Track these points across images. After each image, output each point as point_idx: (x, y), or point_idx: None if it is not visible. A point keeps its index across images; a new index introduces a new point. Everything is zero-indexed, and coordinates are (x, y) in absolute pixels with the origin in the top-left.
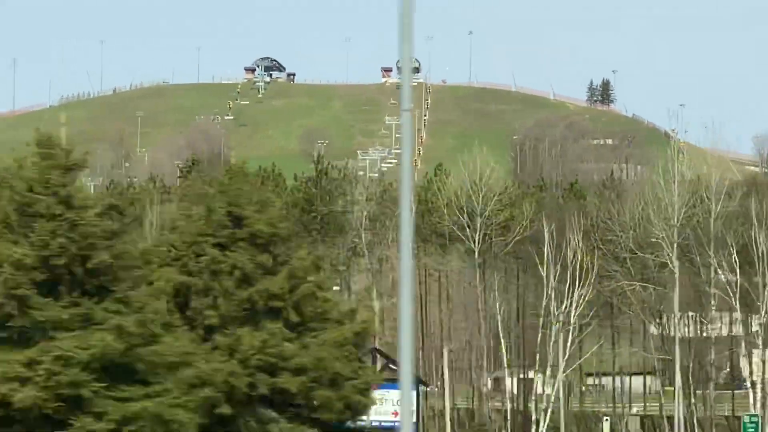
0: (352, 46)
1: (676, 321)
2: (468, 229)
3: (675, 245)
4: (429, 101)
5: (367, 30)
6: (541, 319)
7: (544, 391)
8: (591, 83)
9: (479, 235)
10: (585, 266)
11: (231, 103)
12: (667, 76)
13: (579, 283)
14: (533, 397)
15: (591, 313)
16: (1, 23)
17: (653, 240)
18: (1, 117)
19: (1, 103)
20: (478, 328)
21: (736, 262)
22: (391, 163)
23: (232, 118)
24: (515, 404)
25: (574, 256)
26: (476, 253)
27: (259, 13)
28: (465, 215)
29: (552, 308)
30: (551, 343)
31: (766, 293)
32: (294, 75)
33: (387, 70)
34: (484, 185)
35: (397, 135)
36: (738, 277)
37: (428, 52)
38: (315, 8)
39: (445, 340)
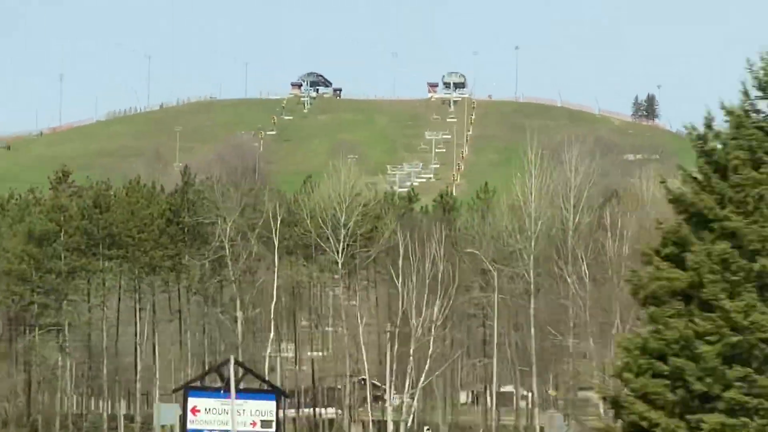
0: (399, 62)
1: (532, 333)
2: (332, 241)
3: (532, 257)
4: (473, 116)
5: (414, 46)
6: (396, 330)
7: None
8: (636, 98)
9: (342, 246)
10: (445, 278)
11: (276, 118)
12: (712, 91)
13: (440, 294)
14: (388, 408)
15: (449, 325)
16: (48, 38)
17: (512, 252)
18: (48, 132)
19: (48, 118)
20: (343, 338)
21: (586, 274)
22: (423, 178)
23: (275, 132)
24: (383, 415)
25: (431, 268)
26: (339, 265)
27: (308, 28)
28: (329, 227)
29: (411, 320)
30: (411, 354)
31: (617, 305)
32: (340, 90)
33: (433, 86)
34: (348, 197)
35: (436, 149)
36: (587, 289)
37: (474, 67)
38: (363, 24)
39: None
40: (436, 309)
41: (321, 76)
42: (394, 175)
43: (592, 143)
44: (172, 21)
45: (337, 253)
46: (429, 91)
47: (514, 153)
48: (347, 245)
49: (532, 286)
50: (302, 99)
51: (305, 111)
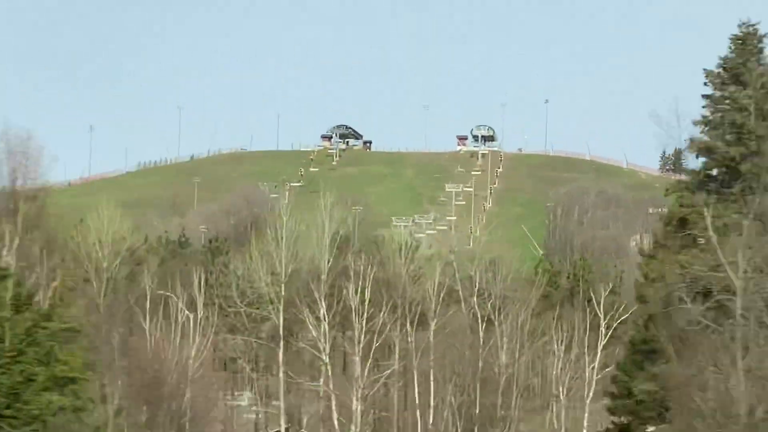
0: (429, 115)
1: (280, 375)
2: (94, 284)
3: (282, 299)
4: (500, 169)
5: (445, 98)
6: None
7: None
8: (664, 152)
9: (104, 289)
10: (201, 322)
11: (303, 170)
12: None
13: (192, 339)
14: None
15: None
16: (78, 90)
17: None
18: (77, 182)
19: (79, 169)
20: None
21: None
22: (434, 230)
23: (301, 184)
24: None
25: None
26: (100, 308)
27: (339, 81)
28: (92, 269)
29: None
30: None
31: (358, 348)
32: (370, 143)
33: (462, 139)
34: (110, 240)
35: (456, 203)
36: (326, 330)
37: (505, 121)
38: (394, 77)
39: None
40: (192, 352)
41: (350, 128)
42: (399, 227)
43: (596, 196)
44: (204, 72)
45: (101, 296)
46: (458, 144)
47: (538, 207)
48: (111, 289)
49: (280, 330)
50: (330, 151)
51: (334, 163)
